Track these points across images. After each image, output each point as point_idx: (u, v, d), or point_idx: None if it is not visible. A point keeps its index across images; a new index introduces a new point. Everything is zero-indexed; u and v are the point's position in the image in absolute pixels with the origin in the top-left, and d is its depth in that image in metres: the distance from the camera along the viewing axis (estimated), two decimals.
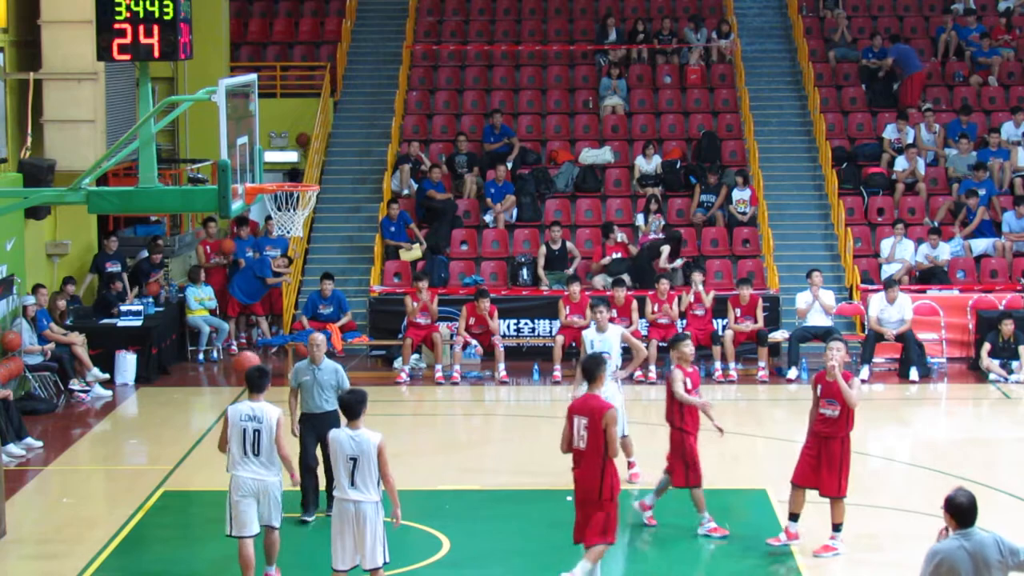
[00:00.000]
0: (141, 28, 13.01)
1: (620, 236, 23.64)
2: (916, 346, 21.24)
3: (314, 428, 14.13)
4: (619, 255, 23.47)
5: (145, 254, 23.36)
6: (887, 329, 21.24)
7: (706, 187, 24.98)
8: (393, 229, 24.23)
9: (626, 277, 22.60)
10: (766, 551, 13.33)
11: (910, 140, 26.00)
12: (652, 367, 21.13)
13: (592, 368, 12.14)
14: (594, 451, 11.79)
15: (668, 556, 13.70)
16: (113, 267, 22.48)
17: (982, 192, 24.32)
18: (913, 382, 21.00)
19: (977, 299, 22.39)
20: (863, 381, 20.41)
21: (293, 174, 27.44)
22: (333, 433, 11.48)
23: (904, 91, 27.35)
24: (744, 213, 24.63)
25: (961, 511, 8.53)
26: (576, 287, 21.49)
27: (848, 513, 13.40)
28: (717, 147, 26.35)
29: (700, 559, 13.52)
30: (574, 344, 21.43)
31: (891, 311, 21.37)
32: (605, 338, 15.64)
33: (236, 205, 13.07)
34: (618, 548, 14.39)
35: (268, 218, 22.85)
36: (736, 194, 24.77)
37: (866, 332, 21.64)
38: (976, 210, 24.14)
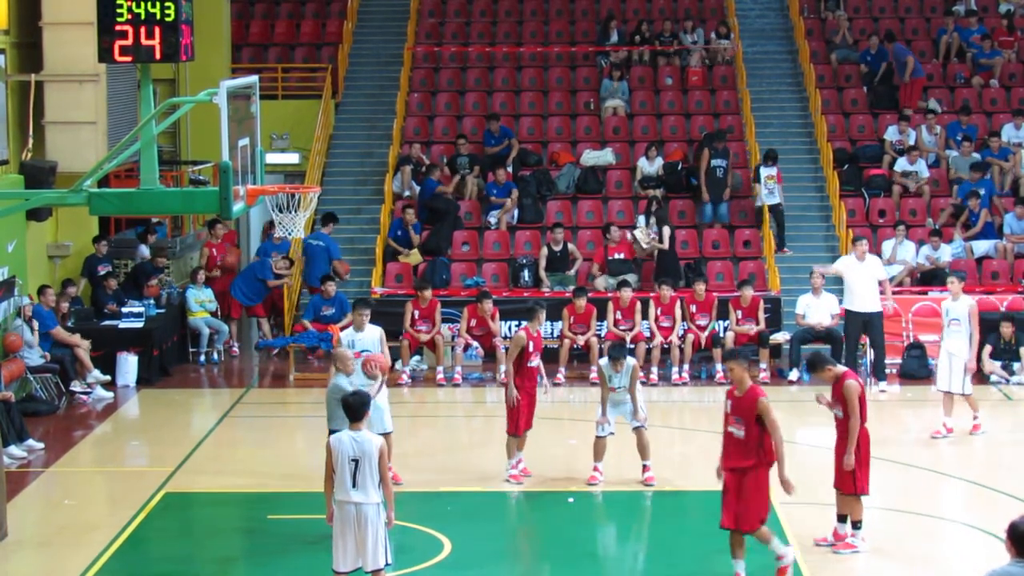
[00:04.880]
0: (143, 30, 13.02)
1: (629, 235, 23.58)
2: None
3: None
4: (622, 255, 23.46)
5: (145, 251, 23.35)
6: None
7: (715, 152, 24.92)
8: (400, 232, 24.26)
9: (631, 278, 22.59)
10: (765, 551, 13.31)
11: (911, 142, 26.00)
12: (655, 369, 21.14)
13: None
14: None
15: (669, 556, 13.70)
16: (105, 270, 22.45)
17: (981, 192, 24.30)
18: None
19: (978, 301, 22.31)
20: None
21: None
22: (335, 436, 11.46)
23: (904, 94, 27.34)
24: (772, 191, 24.55)
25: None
26: (583, 301, 21.41)
27: None
28: None
29: (701, 559, 13.49)
30: (578, 347, 21.39)
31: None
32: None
33: (237, 207, 13.08)
34: (619, 549, 14.43)
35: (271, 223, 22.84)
36: (764, 171, 24.66)
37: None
38: (978, 212, 24.14)
